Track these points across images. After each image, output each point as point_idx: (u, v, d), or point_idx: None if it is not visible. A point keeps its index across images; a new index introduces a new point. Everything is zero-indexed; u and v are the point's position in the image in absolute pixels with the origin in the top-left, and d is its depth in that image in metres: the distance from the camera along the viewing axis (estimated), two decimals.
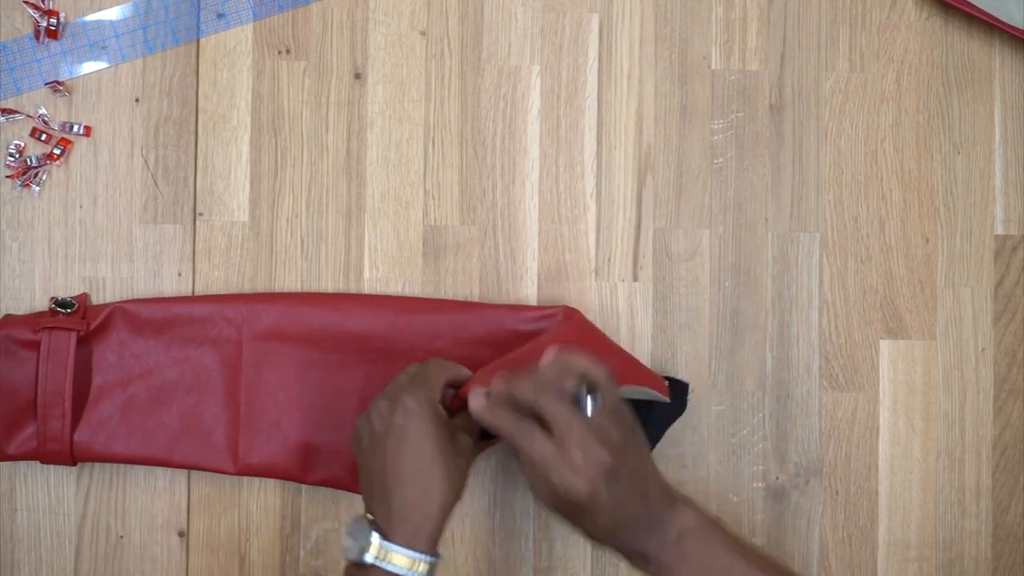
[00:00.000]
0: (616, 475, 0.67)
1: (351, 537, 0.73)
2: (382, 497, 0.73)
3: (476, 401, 0.71)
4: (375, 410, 0.76)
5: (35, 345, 0.85)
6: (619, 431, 0.69)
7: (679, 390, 0.86)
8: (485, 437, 0.80)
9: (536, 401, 0.68)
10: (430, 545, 0.72)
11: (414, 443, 0.73)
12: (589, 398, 0.68)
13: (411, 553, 0.71)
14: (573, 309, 0.88)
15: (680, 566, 0.69)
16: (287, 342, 0.87)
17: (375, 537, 0.72)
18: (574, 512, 0.69)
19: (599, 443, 0.67)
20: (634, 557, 0.71)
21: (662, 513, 0.70)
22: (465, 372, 0.79)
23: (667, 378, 0.86)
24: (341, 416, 0.87)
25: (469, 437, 0.76)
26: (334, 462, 0.87)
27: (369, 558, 0.71)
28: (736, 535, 0.73)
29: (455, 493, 0.73)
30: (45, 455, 0.85)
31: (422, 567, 0.71)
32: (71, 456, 0.86)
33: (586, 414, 0.68)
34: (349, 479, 0.87)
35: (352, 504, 0.90)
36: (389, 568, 0.71)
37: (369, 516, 0.74)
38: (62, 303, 0.87)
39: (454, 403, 0.78)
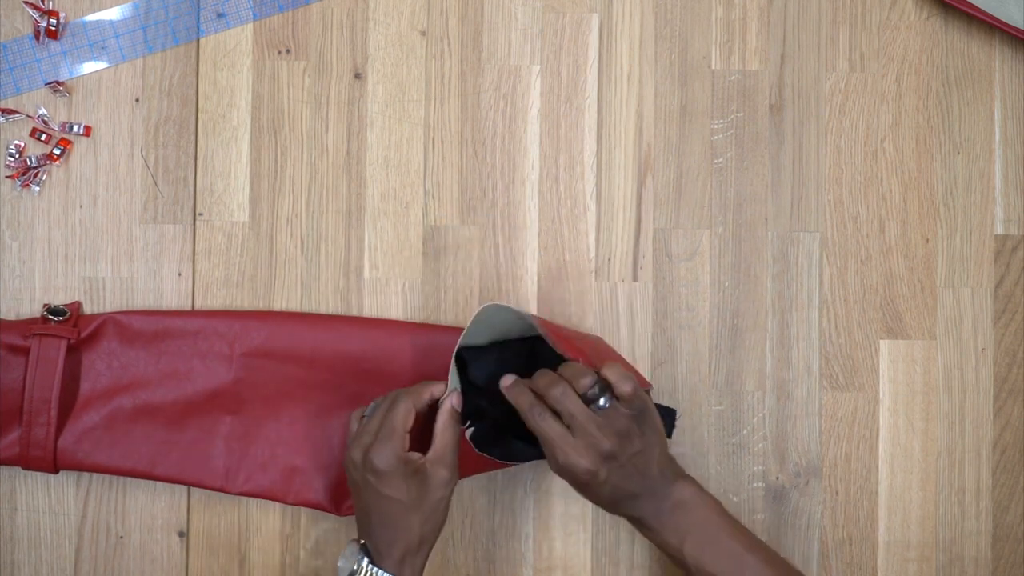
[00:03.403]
0: (616, 459, 0.77)
1: (344, 558, 0.80)
2: (369, 533, 0.79)
3: (505, 380, 0.80)
4: (351, 457, 0.79)
5: (25, 351, 0.85)
6: (626, 422, 0.77)
7: (667, 416, 0.85)
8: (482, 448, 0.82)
9: (548, 392, 0.77)
10: (414, 574, 0.79)
11: (388, 498, 0.78)
12: (602, 397, 0.77)
13: None
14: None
15: (671, 530, 0.79)
16: (277, 360, 0.87)
17: (364, 561, 0.78)
18: (578, 485, 0.79)
19: (601, 431, 0.77)
20: (633, 521, 0.81)
21: (662, 488, 0.79)
22: (428, 394, 0.80)
23: (657, 404, 0.85)
24: (325, 438, 0.87)
25: (445, 470, 0.79)
26: (315, 483, 0.87)
27: None
28: (732, 514, 0.81)
29: (433, 530, 0.80)
30: (27, 461, 0.85)
31: None
32: (53, 464, 0.85)
33: (598, 407, 0.77)
34: (328, 502, 0.87)
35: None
36: None
37: (361, 541, 0.79)
38: (55, 310, 0.87)
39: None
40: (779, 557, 0.80)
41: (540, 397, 0.78)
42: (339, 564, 0.79)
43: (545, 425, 0.77)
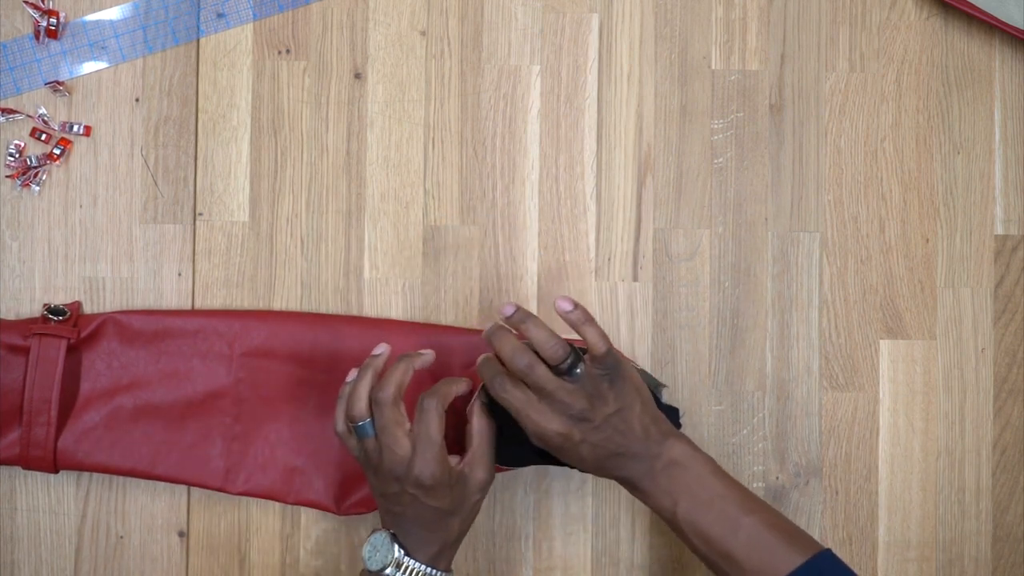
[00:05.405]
0: (589, 420, 0.76)
1: (372, 547, 0.78)
2: (402, 530, 0.79)
3: (480, 358, 0.79)
4: (386, 472, 0.77)
5: (25, 351, 0.85)
6: (599, 383, 0.76)
7: (671, 415, 0.85)
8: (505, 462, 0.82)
9: (512, 365, 0.76)
10: (447, 565, 0.80)
11: (431, 507, 0.78)
12: (576, 367, 0.76)
13: (432, 571, 0.78)
14: None
15: (663, 492, 0.77)
16: (277, 359, 0.87)
17: (399, 551, 0.77)
18: (554, 449, 0.77)
19: (571, 396, 0.75)
20: (623, 482, 0.79)
21: (651, 447, 0.77)
22: (452, 394, 0.79)
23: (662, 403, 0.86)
24: (325, 438, 0.87)
25: (483, 471, 0.79)
26: (315, 483, 0.87)
27: (392, 571, 0.77)
28: (726, 471, 0.79)
29: (468, 526, 0.81)
30: (27, 461, 0.85)
31: None
32: (53, 464, 0.85)
33: (571, 377, 0.76)
34: (328, 502, 0.87)
35: None
36: None
37: (391, 531, 0.78)
38: (55, 310, 0.87)
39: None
40: (780, 519, 0.77)
41: (506, 367, 0.76)
42: (364, 553, 0.78)
43: (507, 396, 0.76)
